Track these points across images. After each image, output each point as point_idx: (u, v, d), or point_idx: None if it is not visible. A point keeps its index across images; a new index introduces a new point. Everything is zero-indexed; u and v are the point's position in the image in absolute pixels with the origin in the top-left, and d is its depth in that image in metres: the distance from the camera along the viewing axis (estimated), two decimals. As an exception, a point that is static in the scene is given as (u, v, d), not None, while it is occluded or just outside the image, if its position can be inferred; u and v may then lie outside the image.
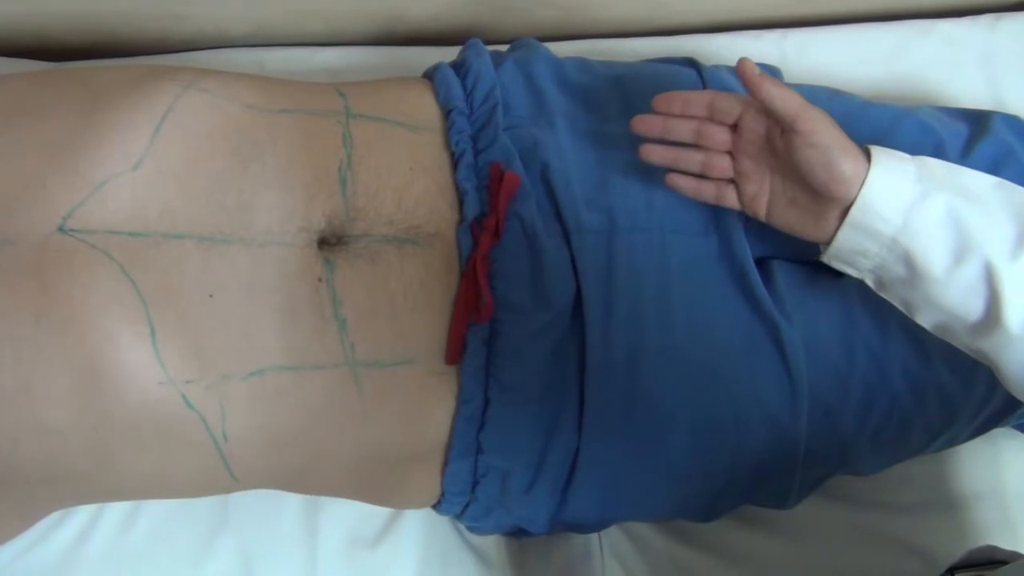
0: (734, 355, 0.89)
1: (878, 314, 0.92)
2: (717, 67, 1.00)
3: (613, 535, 1.05)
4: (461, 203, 0.88)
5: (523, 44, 1.02)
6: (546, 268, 0.86)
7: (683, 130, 0.84)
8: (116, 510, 0.99)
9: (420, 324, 0.84)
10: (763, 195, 0.83)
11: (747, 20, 1.22)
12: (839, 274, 0.96)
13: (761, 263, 0.93)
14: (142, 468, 0.81)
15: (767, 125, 0.80)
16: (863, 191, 0.76)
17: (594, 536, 1.04)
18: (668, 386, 0.88)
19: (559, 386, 0.87)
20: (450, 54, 1.02)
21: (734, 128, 0.83)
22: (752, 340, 0.89)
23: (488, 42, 1.00)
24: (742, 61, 0.79)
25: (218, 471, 0.82)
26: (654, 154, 0.86)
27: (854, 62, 1.19)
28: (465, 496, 0.91)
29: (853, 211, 0.77)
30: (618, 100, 0.95)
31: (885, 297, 0.82)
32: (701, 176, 0.85)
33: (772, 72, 1.00)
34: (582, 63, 1.00)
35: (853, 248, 0.79)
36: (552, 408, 0.88)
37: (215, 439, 0.80)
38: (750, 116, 0.81)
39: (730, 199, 0.85)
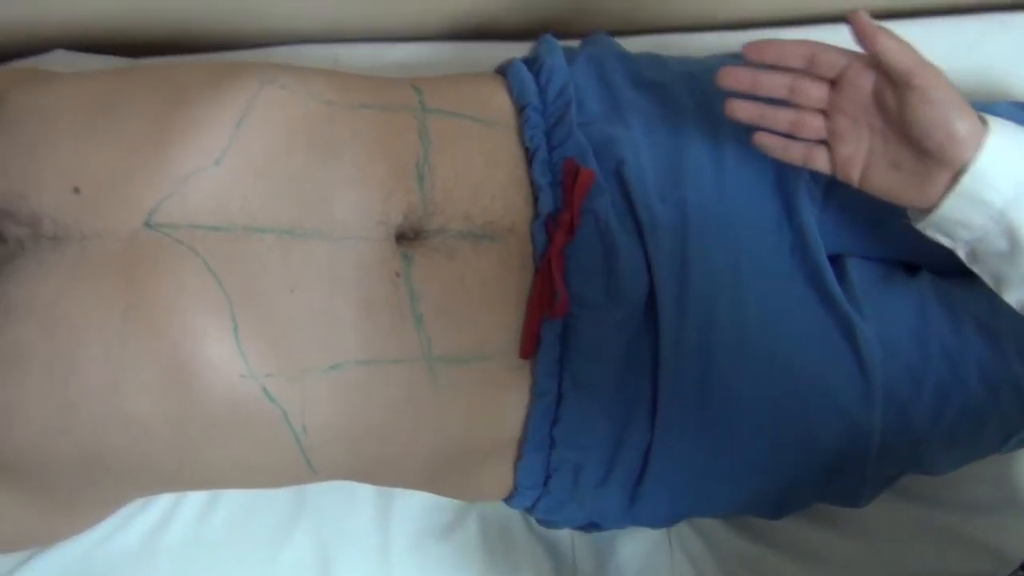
0: (807, 351, 0.88)
1: (952, 310, 0.91)
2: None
3: (683, 531, 1.05)
4: (535, 199, 0.88)
5: (595, 40, 1.01)
6: (620, 263, 0.86)
7: (775, 85, 0.79)
8: (195, 499, 1.02)
9: (495, 319, 0.85)
10: (859, 157, 0.79)
11: (820, 13, 1.20)
12: (913, 270, 0.96)
13: (834, 260, 0.92)
14: (223, 459, 0.82)
15: (875, 81, 0.76)
16: (979, 156, 0.72)
17: (664, 531, 1.05)
18: (741, 382, 0.87)
19: (632, 381, 0.87)
20: (522, 50, 1.02)
21: (832, 84, 0.78)
22: (825, 335, 0.88)
23: (559, 37, 1.00)
24: (856, 12, 0.73)
25: (297, 463, 0.84)
26: (739, 110, 0.82)
27: (935, 54, 1.16)
28: (537, 490, 0.92)
29: (965, 178, 0.73)
30: (691, 95, 0.94)
31: (973, 269, 0.78)
32: (789, 136, 0.81)
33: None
34: (654, 59, 1.00)
35: (957, 218, 0.75)
36: (625, 403, 0.88)
37: (295, 432, 0.81)
38: (855, 70, 0.76)
39: (820, 161, 0.80)
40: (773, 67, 0.79)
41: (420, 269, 0.83)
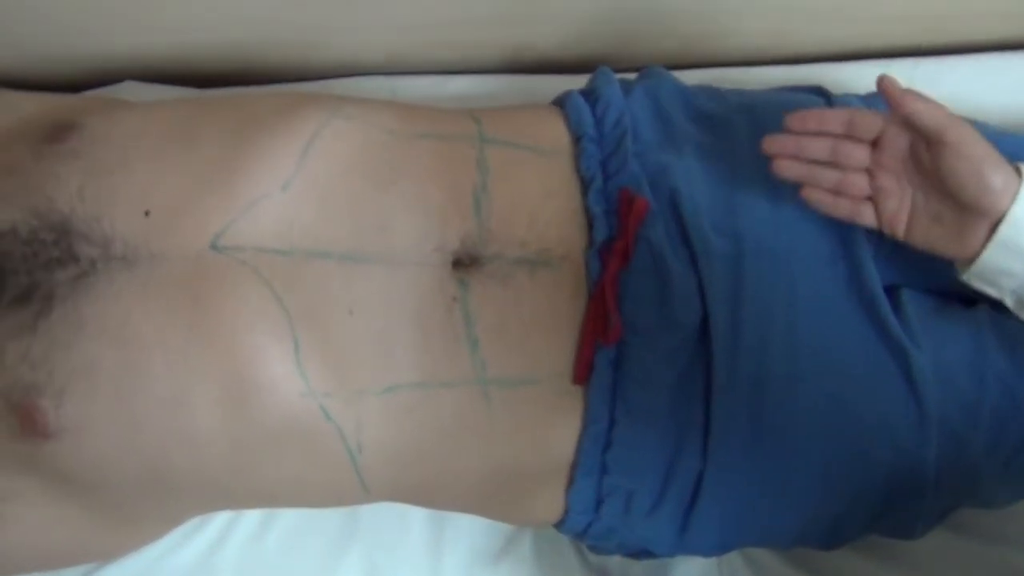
0: (862, 382, 0.88)
1: (1010, 342, 0.90)
2: (847, 95, 1.00)
3: (733, 560, 1.05)
4: (590, 227, 0.89)
5: (652, 72, 1.03)
6: (674, 292, 0.87)
7: (818, 148, 0.82)
8: (251, 519, 1.03)
9: (549, 344, 0.86)
10: (903, 212, 0.81)
11: (875, 49, 1.21)
12: (969, 302, 0.95)
13: (889, 291, 0.92)
14: (281, 477, 0.84)
15: (911, 139, 0.79)
16: (1014, 207, 0.74)
17: (714, 560, 1.04)
18: (794, 412, 0.87)
19: (685, 409, 0.87)
20: (577, 82, 1.03)
21: (873, 144, 0.81)
22: (880, 367, 0.88)
23: (615, 71, 1.01)
24: (883, 77, 0.77)
25: (352, 483, 0.85)
26: (788, 170, 0.84)
27: (986, 91, 1.17)
28: (588, 515, 0.92)
29: (1002, 227, 0.75)
30: (747, 127, 0.94)
31: (1022, 317, 0.80)
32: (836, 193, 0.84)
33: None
34: (710, 91, 1.01)
35: (999, 267, 0.77)
36: (677, 430, 0.88)
37: (350, 451, 0.82)
38: (892, 131, 0.79)
39: (867, 217, 0.83)
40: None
41: (476, 294, 0.84)
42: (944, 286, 0.95)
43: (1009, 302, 0.79)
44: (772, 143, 0.84)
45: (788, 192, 0.90)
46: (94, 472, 0.79)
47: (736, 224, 0.89)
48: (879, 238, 0.92)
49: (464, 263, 0.85)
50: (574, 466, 0.88)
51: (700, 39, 1.18)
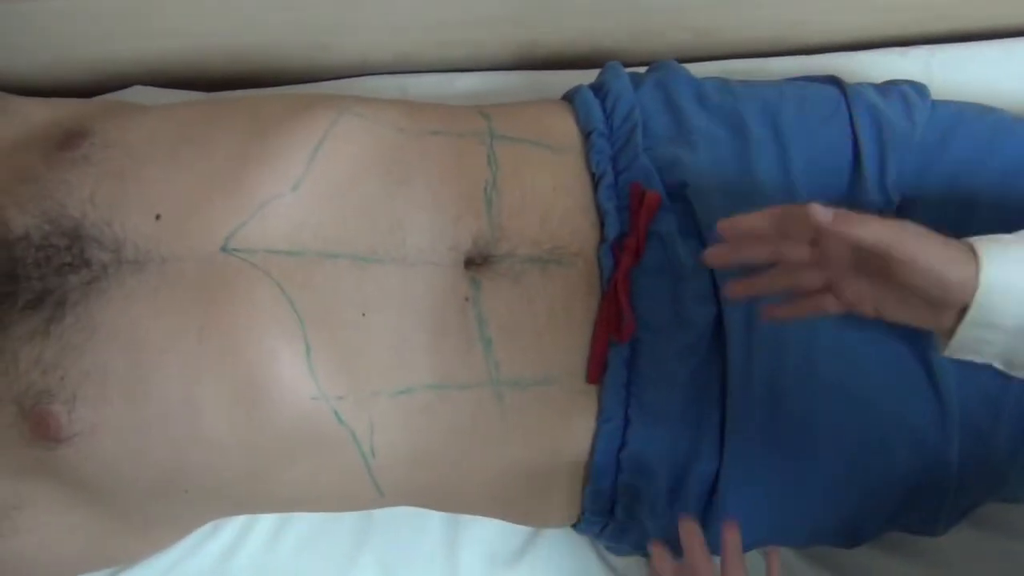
0: (880, 377, 0.87)
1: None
2: (860, 85, 0.98)
3: (753, 559, 1.03)
4: (602, 223, 0.88)
5: (662, 65, 1.02)
6: (687, 288, 0.86)
7: (759, 253, 0.76)
8: (265, 524, 1.03)
9: (562, 343, 0.85)
10: (864, 297, 0.75)
11: (890, 37, 1.20)
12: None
13: (908, 285, 0.91)
14: (294, 481, 0.83)
15: (850, 248, 0.73)
16: (978, 296, 0.69)
17: (734, 560, 1.03)
18: (812, 408, 0.86)
19: (700, 407, 0.87)
20: (587, 77, 1.03)
21: (813, 243, 0.75)
22: (899, 362, 0.87)
23: (626, 65, 1.01)
24: (810, 209, 0.70)
25: (365, 486, 0.85)
26: (737, 292, 0.79)
27: (1003, 78, 1.15)
28: (605, 515, 0.91)
29: (972, 311, 0.70)
30: (758, 119, 0.94)
31: (1015, 376, 0.75)
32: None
33: (919, 90, 0.98)
34: (722, 83, 1.00)
35: (977, 338, 0.72)
36: (693, 428, 0.87)
37: (363, 454, 0.82)
38: (828, 238, 0.73)
39: (831, 305, 0.77)
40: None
41: (488, 294, 0.83)
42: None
43: (998, 366, 0.74)
44: (712, 257, 0.77)
45: (802, 183, 0.90)
46: (107, 476, 0.79)
47: (750, 218, 0.88)
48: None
49: (476, 262, 0.85)
50: (589, 466, 0.88)
51: (711, 31, 1.17)
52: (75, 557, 0.88)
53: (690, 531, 0.79)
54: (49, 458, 0.77)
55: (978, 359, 0.75)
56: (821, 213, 0.69)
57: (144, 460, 0.78)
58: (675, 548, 0.94)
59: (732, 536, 0.79)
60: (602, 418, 0.86)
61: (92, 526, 0.85)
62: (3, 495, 0.81)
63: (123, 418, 0.77)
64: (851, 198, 0.90)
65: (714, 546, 0.92)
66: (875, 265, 0.72)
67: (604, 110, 0.95)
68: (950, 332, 0.72)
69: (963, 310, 0.70)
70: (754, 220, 0.74)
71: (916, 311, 0.74)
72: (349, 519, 1.03)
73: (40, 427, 0.76)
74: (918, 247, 0.69)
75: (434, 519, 1.03)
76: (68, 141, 0.83)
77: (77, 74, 1.16)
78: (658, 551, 0.80)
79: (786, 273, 0.77)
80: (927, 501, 0.90)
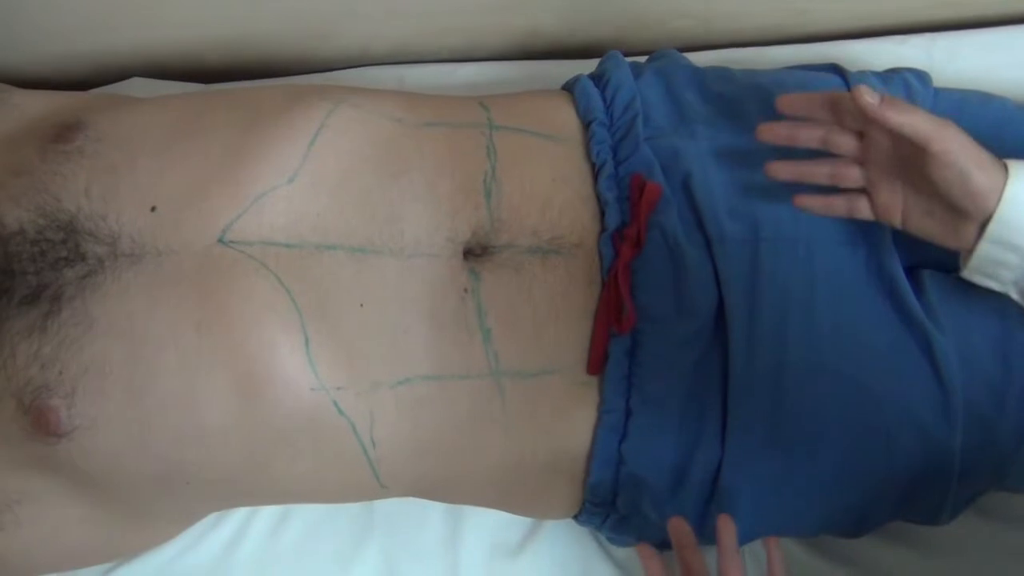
0: (883, 366, 0.86)
1: (1036, 323, 0.89)
2: (863, 72, 0.98)
3: (756, 550, 1.03)
4: (602, 213, 0.88)
5: (663, 54, 1.01)
6: (688, 278, 0.86)
7: (809, 137, 0.82)
8: (266, 516, 1.03)
9: (562, 334, 0.85)
10: (896, 205, 0.81)
11: (891, 25, 1.19)
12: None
13: (911, 273, 0.90)
14: (295, 472, 0.83)
15: (892, 140, 0.78)
16: (1000, 206, 0.74)
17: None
18: (815, 398, 0.86)
19: (702, 397, 0.86)
20: (588, 67, 1.02)
21: (861, 136, 0.80)
22: (902, 351, 0.86)
23: (626, 54, 1.00)
24: (856, 90, 0.76)
25: (366, 477, 0.84)
26: (781, 171, 0.84)
27: (1005, 65, 1.15)
28: (606, 507, 0.91)
29: (992, 225, 0.74)
30: (760, 108, 0.93)
31: None
32: (832, 189, 0.83)
33: (921, 77, 0.97)
34: (723, 72, 0.99)
35: (995, 260, 0.76)
36: (695, 419, 0.87)
37: (364, 445, 0.82)
38: (875, 130, 0.78)
39: (863, 210, 0.82)
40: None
41: (488, 285, 0.83)
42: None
43: (1014, 295, 0.78)
44: (766, 132, 0.84)
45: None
46: (108, 470, 0.79)
47: (751, 208, 0.88)
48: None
49: (475, 253, 0.85)
50: (590, 457, 0.88)
51: (712, 20, 1.17)
52: (77, 550, 0.88)
53: (681, 530, 0.79)
54: (50, 452, 0.77)
55: (996, 286, 0.79)
56: (868, 95, 0.75)
57: (145, 453, 0.78)
58: (670, 545, 0.94)
59: (727, 530, 0.79)
60: (603, 409, 0.86)
61: (94, 519, 0.85)
62: (4, 489, 0.81)
63: (123, 412, 0.76)
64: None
65: (713, 537, 0.92)
66: (911, 160, 0.76)
67: (604, 100, 0.94)
68: (969, 252, 0.76)
69: (983, 226, 0.75)
70: (815, 95, 0.81)
71: (939, 224, 0.78)
72: (350, 511, 1.03)
73: (40, 422, 0.76)
74: (955, 143, 0.74)
75: (435, 510, 1.03)
76: (62, 134, 0.82)
77: (75, 66, 1.16)
78: (645, 552, 0.81)
79: (830, 163, 0.81)
80: (931, 490, 0.89)
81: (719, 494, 0.88)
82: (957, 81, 1.07)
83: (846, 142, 0.81)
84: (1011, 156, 0.91)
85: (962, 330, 0.88)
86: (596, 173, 0.90)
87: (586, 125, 0.92)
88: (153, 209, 0.79)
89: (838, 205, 0.83)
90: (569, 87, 0.99)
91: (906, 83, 0.96)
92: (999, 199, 0.73)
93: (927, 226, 0.80)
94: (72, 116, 0.85)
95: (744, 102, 0.94)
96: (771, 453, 0.87)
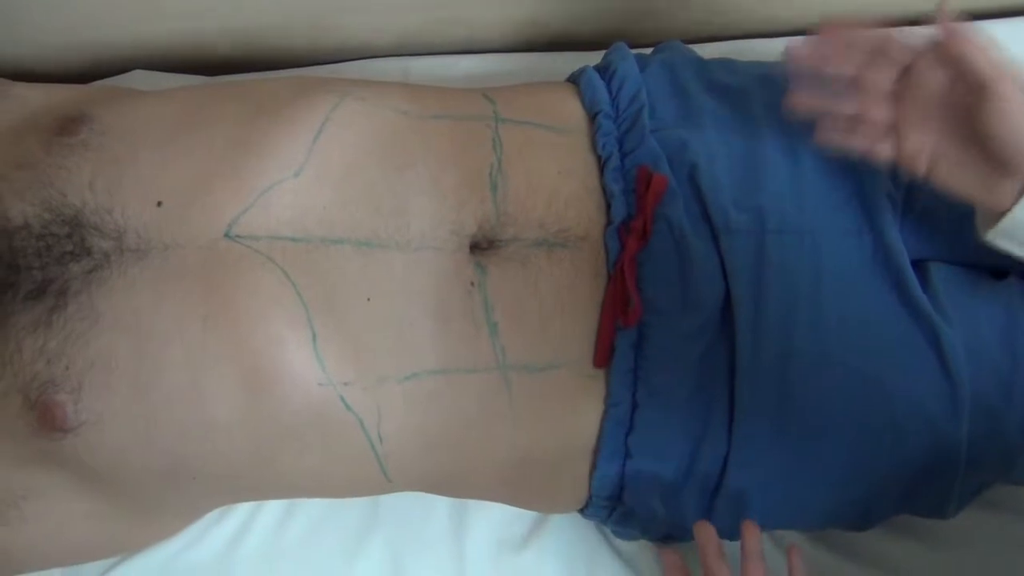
0: (890, 358, 0.86)
1: (1045, 314, 0.88)
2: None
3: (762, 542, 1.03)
4: (608, 206, 0.87)
5: (668, 46, 1.01)
6: (694, 270, 0.85)
7: (843, 64, 0.76)
8: (272, 510, 1.03)
9: (568, 327, 0.84)
10: (925, 151, 0.76)
11: (897, 17, 1.18)
12: (1000, 276, 0.93)
13: (917, 265, 0.90)
14: (302, 467, 0.83)
15: (946, 78, 0.73)
16: None
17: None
18: (821, 391, 0.86)
19: (708, 390, 0.86)
20: (592, 59, 1.02)
21: (901, 73, 0.75)
22: (909, 343, 0.86)
23: (631, 46, 1.00)
24: (941, 6, 0.70)
25: (373, 472, 0.84)
26: (802, 101, 0.79)
27: (1019, 56, 1.14)
28: (612, 500, 0.91)
29: None
30: (766, 99, 0.93)
31: None
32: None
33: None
34: (728, 63, 0.99)
35: None
36: (701, 412, 0.87)
37: (371, 440, 0.82)
38: (927, 63, 0.73)
39: (885, 151, 0.77)
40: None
41: (494, 278, 0.83)
42: (973, 258, 0.93)
43: None
44: (799, 54, 0.77)
45: (811, 164, 0.89)
46: (114, 465, 0.79)
47: (758, 199, 0.88)
48: (905, 208, 0.90)
49: (482, 246, 0.84)
50: (597, 451, 0.88)
51: (717, 11, 1.16)
52: (82, 545, 0.88)
53: (706, 534, 0.78)
54: (56, 448, 0.77)
55: (1018, 251, 0.74)
56: (947, 9, 0.69)
57: (151, 448, 0.78)
58: (682, 534, 0.94)
59: (752, 536, 0.79)
60: (610, 402, 0.86)
61: (100, 514, 0.85)
62: (10, 484, 0.81)
63: (129, 407, 0.76)
64: (858, 178, 0.89)
65: (723, 531, 0.92)
66: (960, 105, 0.70)
67: (610, 91, 0.94)
68: (1000, 213, 0.71)
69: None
70: (860, 32, 0.75)
71: (971, 179, 0.73)
72: (356, 505, 1.03)
73: (46, 417, 0.76)
74: (1016, 93, 0.69)
75: (441, 504, 1.03)
76: (66, 127, 0.82)
77: (77, 59, 1.16)
78: (669, 560, 0.80)
79: (858, 96, 0.75)
80: (937, 483, 0.89)
81: (726, 487, 0.87)
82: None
83: (883, 75, 0.75)
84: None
85: (969, 322, 0.88)
86: (602, 165, 0.89)
87: (592, 117, 0.92)
88: (159, 204, 0.79)
89: (860, 142, 0.78)
90: (575, 79, 0.98)
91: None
92: None
93: (956, 178, 0.75)
94: (75, 109, 0.84)
95: (750, 94, 0.93)
96: (778, 446, 0.87)
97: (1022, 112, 0.70)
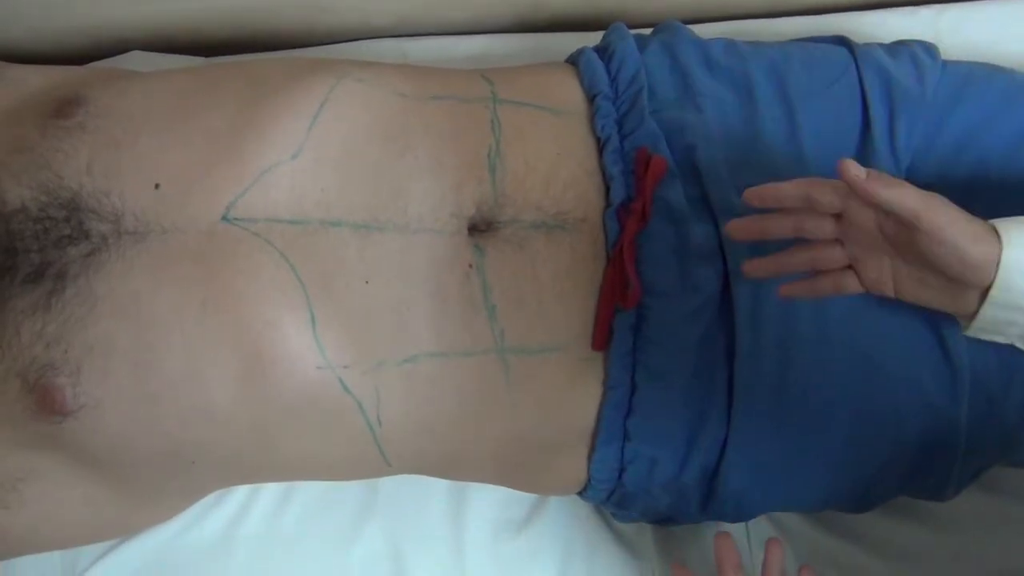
0: (890, 341, 0.86)
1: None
2: (869, 45, 0.97)
3: (761, 525, 1.04)
4: (607, 188, 0.87)
5: (667, 27, 1.00)
6: (693, 252, 0.85)
7: (782, 227, 0.77)
8: (270, 493, 1.03)
9: (567, 310, 0.84)
10: (886, 278, 0.77)
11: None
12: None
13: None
14: (301, 450, 0.83)
15: (875, 216, 0.74)
16: (1000, 274, 0.70)
17: (741, 525, 1.03)
18: (821, 372, 0.86)
19: (707, 373, 0.86)
20: (592, 39, 1.01)
21: (838, 217, 0.76)
22: (910, 326, 0.86)
23: (630, 27, 0.99)
24: (844, 163, 0.71)
25: (372, 455, 0.84)
26: (758, 270, 0.80)
27: (1012, 38, 1.14)
28: (611, 483, 0.91)
29: (993, 292, 0.71)
30: (766, 80, 0.92)
31: None
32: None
33: (928, 50, 0.96)
34: (728, 44, 0.98)
35: (999, 320, 0.73)
36: (700, 394, 0.87)
37: (370, 423, 0.82)
38: (855, 208, 0.74)
39: (851, 285, 0.78)
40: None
41: (492, 260, 0.83)
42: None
43: (1020, 345, 0.75)
44: (735, 231, 0.79)
45: (810, 145, 0.89)
46: (113, 448, 0.79)
47: (757, 181, 0.86)
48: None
49: (480, 228, 0.84)
50: (595, 433, 0.88)
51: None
52: (81, 528, 0.88)
53: (725, 547, 0.79)
54: (55, 431, 0.77)
55: (1001, 339, 0.75)
56: (855, 169, 0.70)
57: (150, 432, 0.78)
58: (681, 516, 0.95)
59: (775, 553, 0.80)
60: (608, 385, 0.86)
61: (98, 497, 0.85)
62: (9, 468, 0.81)
63: (128, 391, 0.76)
64: (861, 160, 0.88)
65: (718, 514, 0.93)
66: (899, 237, 0.72)
67: (609, 73, 0.93)
68: (971, 315, 0.73)
69: (985, 291, 0.71)
70: (783, 188, 0.75)
71: (935, 293, 0.75)
72: (354, 488, 1.03)
73: (45, 401, 0.76)
74: (945, 219, 0.70)
75: (440, 487, 1.03)
76: (62, 109, 0.81)
77: (74, 40, 1.15)
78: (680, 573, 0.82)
79: (808, 249, 0.77)
80: (937, 465, 0.90)
81: (725, 470, 0.88)
82: (964, 53, 1.06)
83: (823, 226, 0.76)
84: (1020, 130, 0.91)
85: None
86: (601, 147, 0.89)
87: (591, 98, 0.92)
88: (157, 186, 0.78)
89: (824, 286, 0.79)
90: (573, 60, 0.98)
91: (913, 56, 0.95)
92: (997, 267, 0.70)
93: (922, 295, 0.76)
94: (71, 91, 0.84)
95: (750, 75, 0.93)
96: (777, 429, 0.87)
97: (953, 232, 0.70)
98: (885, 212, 0.72)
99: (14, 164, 0.79)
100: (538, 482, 0.95)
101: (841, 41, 0.98)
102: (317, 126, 0.82)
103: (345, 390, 0.79)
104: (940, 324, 0.85)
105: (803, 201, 0.75)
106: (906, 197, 0.70)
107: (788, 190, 0.75)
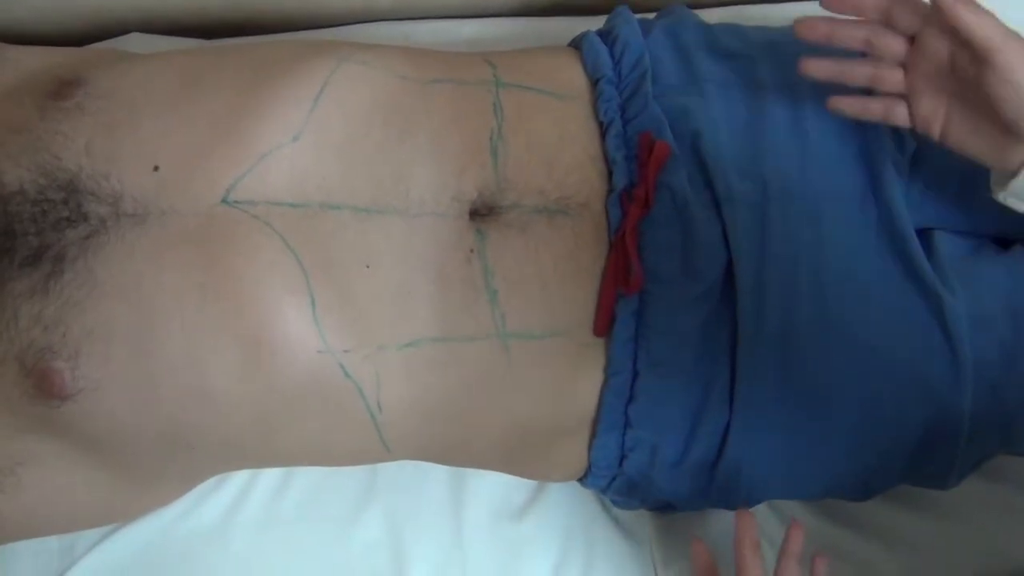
0: (893, 328, 0.86)
1: (1049, 285, 0.88)
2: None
3: (761, 513, 1.04)
4: (610, 173, 0.86)
5: (672, 11, 0.99)
6: (696, 238, 0.85)
7: (853, 36, 0.77)
8: (270, 478, 1.03)
9: (569, 295, 0.84)
10: (938, 116, 0.77)
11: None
12: (1005, 245, 0.93)
13: (922, 233, 0.89)
14: (301, 436, 0.83)
15: (952, 46, 0.73)
16: None
17: (743, 513, 1.03)
18: (824, 360, 0.85)
19: (710, 359, 0.86)
20: (595, 23, 1.01)
21: (911, 40, 0.75)
22: (912, 312, 0.86)
23: (634, 11, 0.98)
24: None
25: (372, 441, 0.84)
26: (815, 68, 0.80)
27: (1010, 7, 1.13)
28: (612, 470, 0.91)
29: None
30: (770, 65, 0.92)
31: None
32: (867, 93, 0.79)
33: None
34: (733, 29, 0.97)
35: None
36: (703, 381, 0.86)
37: (370, 409, 0.81)
38: (932, 34, 0.74)
39: (900, 116, 0.78)
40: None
41: (494, 245, 0.82)
42: (978, 227, 0.93)
43: None
44: (805, 28, 0.79)
45: (815, 131, 0.88)
46: (112, 433, 0.79)
47: (761, 167, 0.87)
48: (910, 175, 0.89)
49: (482, 213, 0.83)
50: (597, 420, 0.87)
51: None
52: (80, 512, 0.88)
53: (746, 524, 0.79)
54: (53, 415, 0.77)
55: None
56: None
57: (150, 416, 0.78)
58: (682, 504, 0.94)
59: (796, 537, 0.79)
60: (610, 371, 0.85)
61: (97, 481, 0.84)
62: (7, 452, 0.80)
63: (127, 375, 0.76)
64: (865, 147, 0.88)
65: (722, 501, 0.93)
66: (967, 72, 0.71)
67: (612, 57, 0.92)
68: (1012, 174, 0.73)
69: None
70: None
71: (983, 142, 0.75)
72: (354, 473, 1.03)
73: (43, 384, 0.75)
74: (1019, 60, 0.70)
75: (439, 473, 1.03)
76: (61, 90, 0.81)
77: (73, 21, 1.15)
78: (699, 548, 0.81)
79: (873, 64, 0.77)
80: (939, 453, 0.89)
81: (726, 457, 0.87)
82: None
83: (894, 43, 0.76)
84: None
85: (973, 292, 0.87)
86: (604, 132, 0.88)
87: (594, 83, 0.91)
88: (156, 168, 0.78)
89: (874, 108, 0.79)
90: (577, 44, 0.97)
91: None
92: None
93: (968, 142, 0.76)
94: (70, 72, 0.83)
95: (755, 60, 0.92)
96: (779, 416, 0.86)
97: (1022, 77, 0.70)
98: (960, 43, 0.71)
99: (12, 145, 0.78)
100: (539, 468, 0.95)
101: (849, 24, 0.97)
102: (318, 109, 0.81)
103: (345, 374, 0.79)
104: (943, 310, 0.85)
105: (882, 13, 0.75)
106: (988, 27, 0.70)
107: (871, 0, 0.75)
